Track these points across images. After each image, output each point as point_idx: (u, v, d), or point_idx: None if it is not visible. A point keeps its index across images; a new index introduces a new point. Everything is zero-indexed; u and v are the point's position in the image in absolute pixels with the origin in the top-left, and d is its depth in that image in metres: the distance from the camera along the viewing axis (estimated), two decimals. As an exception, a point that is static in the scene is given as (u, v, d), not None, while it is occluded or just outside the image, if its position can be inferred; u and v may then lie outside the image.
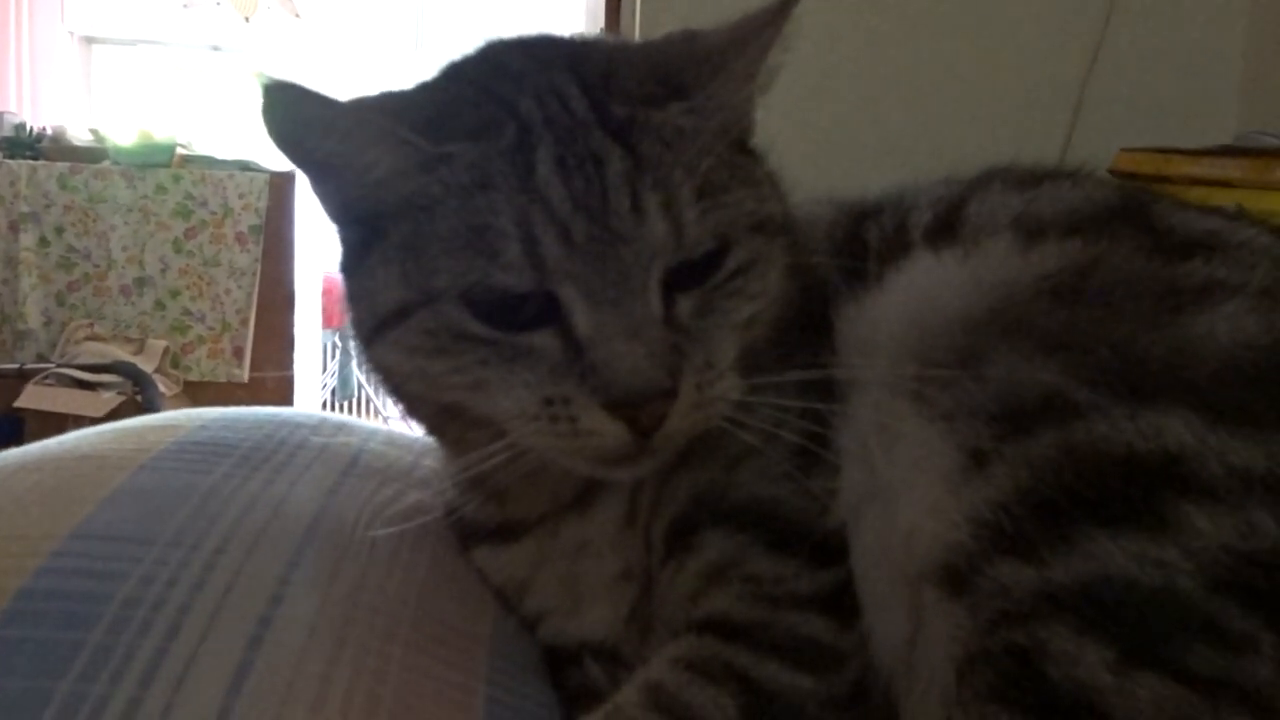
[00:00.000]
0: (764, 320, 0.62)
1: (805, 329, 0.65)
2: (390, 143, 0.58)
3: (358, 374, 4.47)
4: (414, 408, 0.66)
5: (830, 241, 0.71)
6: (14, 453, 0.69)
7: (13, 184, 3.72)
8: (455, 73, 0.65)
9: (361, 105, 0.60)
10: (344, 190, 0.61)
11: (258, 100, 0.57)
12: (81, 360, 3.61)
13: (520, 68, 0.62)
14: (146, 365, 3.67)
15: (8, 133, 3.91)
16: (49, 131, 4.05)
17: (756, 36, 0.61)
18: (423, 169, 0.57)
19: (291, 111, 0.58)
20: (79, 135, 4.14)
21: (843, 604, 0.57)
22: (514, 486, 0.67)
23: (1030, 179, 0.68)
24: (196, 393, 3.88)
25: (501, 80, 0.61)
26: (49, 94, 4.94)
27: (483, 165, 0.56)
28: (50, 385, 3.47)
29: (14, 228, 3.75)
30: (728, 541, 0.60)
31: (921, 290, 0.61)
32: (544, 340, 0.56)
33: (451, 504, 0.74)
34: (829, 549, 0.59)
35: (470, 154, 0.57)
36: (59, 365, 3.56)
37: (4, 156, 3.74)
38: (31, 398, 3.43)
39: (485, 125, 0.58)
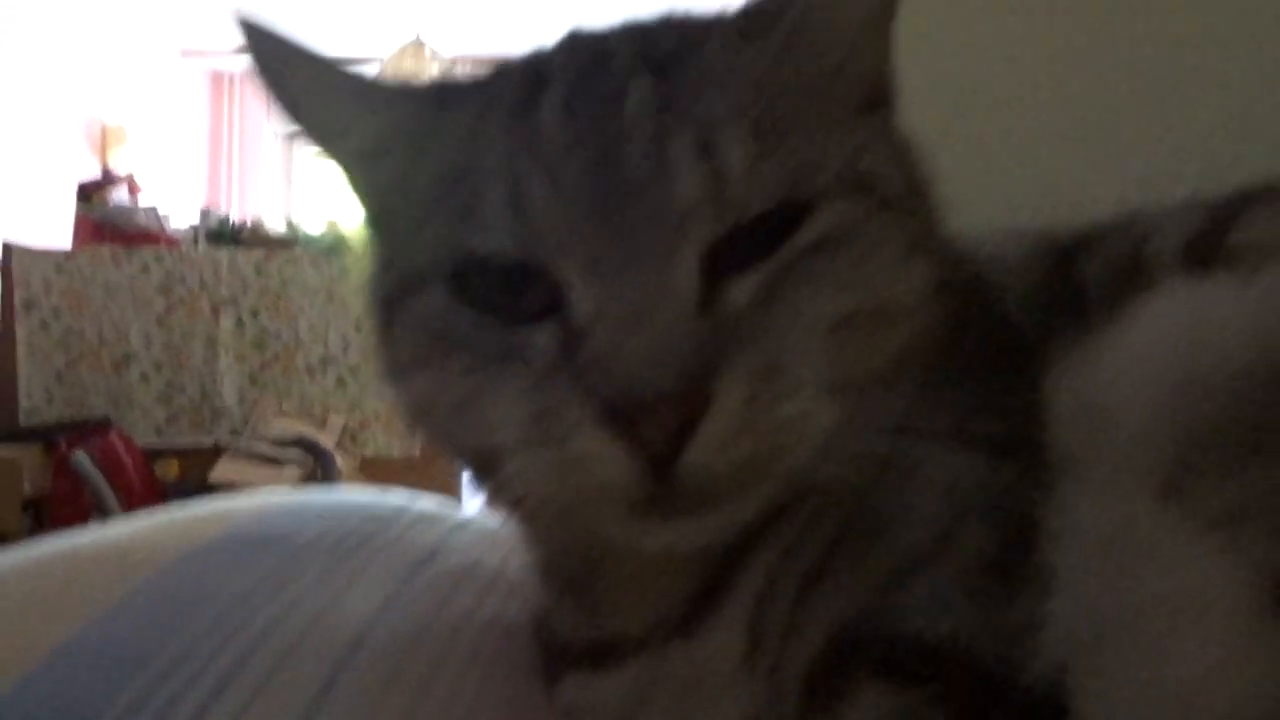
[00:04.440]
0: (892, 335, 0.44)
1: (997, 389, 0.47)
2: (395, 110, 0.49)
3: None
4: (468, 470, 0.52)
5: (1023, 284, 0.53)
6: (48, 545, 0.61)
7: (215, 271, 4.02)
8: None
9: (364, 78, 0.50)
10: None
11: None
12: (272, 435, 3.79)
13: (580, 38, 0.50)
14: (327, 441, 3.80)
15: (213, 225, 4.25)
16: (249, 223, 4.38)
17: None
18: (422, 134, 0.47)
19: (274, 65, 0.49)
20: (275, 226, 4.45)
21: None
22: (603, 585, 0.51)
23: None
24: (371, 468, 3.97)
25: (549, 51, 0.49)
26: (254, 188, 5.39)
27: (479, 115, 0.45)
28: (240, 460, 3.65)
29: (215, 311, 4.03)
30: (894, 699, 0.41)
31: (1177, 332, 0.41)
32: (545, 336, 0.42)
33: (538, 613, 0.59)
34: (1041, 709, 0.40)
35: (470, 108, 0.45)
36: (249, 440, 3.74)
37: (209, 246, 4.06)
38: (223, 471, 3.62)
39: (500, 81, 0.47)
